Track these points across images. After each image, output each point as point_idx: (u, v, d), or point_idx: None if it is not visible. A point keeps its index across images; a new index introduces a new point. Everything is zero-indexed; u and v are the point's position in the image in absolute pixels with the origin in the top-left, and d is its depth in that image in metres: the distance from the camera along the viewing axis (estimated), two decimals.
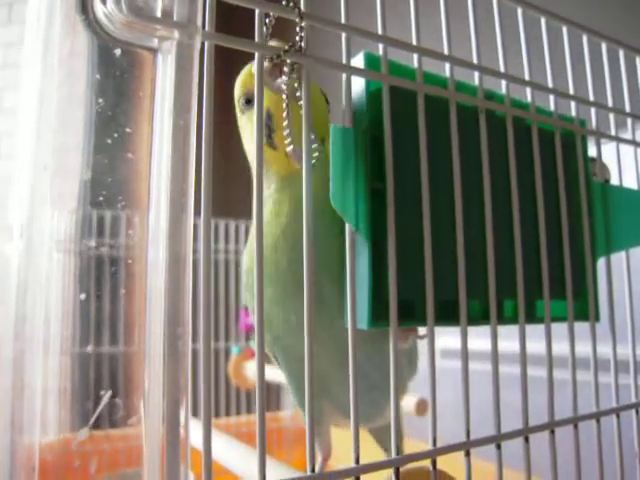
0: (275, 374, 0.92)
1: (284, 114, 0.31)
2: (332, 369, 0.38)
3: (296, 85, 0.29)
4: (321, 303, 0.35)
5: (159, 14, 0.24)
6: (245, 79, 0.38)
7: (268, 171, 0.38)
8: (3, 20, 1.82)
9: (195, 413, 0.28)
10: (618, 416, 0.39)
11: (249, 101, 0.38)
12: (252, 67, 0.36)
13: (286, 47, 0.27)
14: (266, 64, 0.27)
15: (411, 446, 0.54)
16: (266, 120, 0.36)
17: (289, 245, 0.36)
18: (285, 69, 0.29)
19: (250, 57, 0.28)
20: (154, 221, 0.25)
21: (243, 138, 0.40)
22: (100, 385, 0.27)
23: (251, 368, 1.13)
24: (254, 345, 0.25)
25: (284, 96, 0.31)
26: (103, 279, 0.27)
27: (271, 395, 1.29)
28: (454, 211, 0.32)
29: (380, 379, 0.35)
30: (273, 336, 0.40)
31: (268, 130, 0.37)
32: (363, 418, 0.42)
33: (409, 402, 0.70)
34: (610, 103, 0.43)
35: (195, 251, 0.24)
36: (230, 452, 0.51)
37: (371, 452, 0.37)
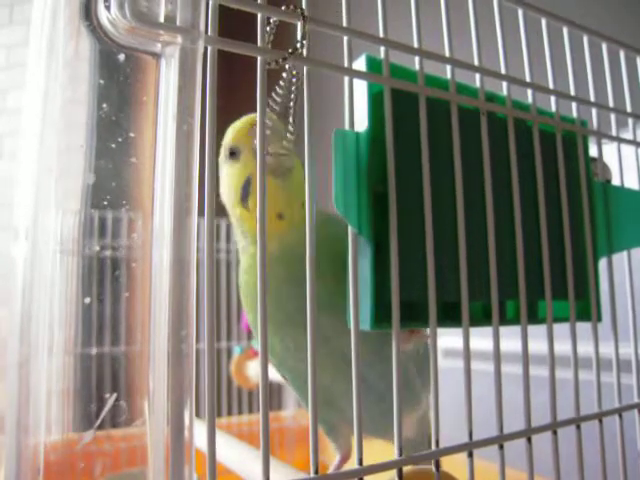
0: (277, 374, 0.93)
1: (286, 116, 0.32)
2: (335, 385, 0.40)
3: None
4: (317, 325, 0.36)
5: (162, 19, 0.24)
6: (236, 133, 0.40)
7: (242, 226, 0.41)
8: (4, 21, 1.82)
9: (198, 414, 0.28)
10: (620, 416, 0.39)
11: (233, 154, 0.40)
12: (245, 121, 0.39)
13: (289, 51, 0.28)
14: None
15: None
16: (244, 185, 0.39)
17: (273, 289, 0.37)
18: (285, 75, 0.29)
19: (250, 66, 0.28)
20: (158, 224, 0.25)
21: (220, 186, 0.42)
22: (105, 387, 0.27)
23: (253, 368, 1.14)
24: (256, 345, 0.26)
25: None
26: (107, 282, 0.27)
27: (272, 394, 1.30)
28: (456, 212, 0.32)
29: (388, 388, 0.35)
30: (277, 361, 0.42)
31: (245, 194, 0.39)
32: (377, 430, 0.43)
33: None
34: (611, 103, 0.43)
35: (197, 250, 0.25)
36: (233, 452, 0.51)
37: (374, 452, 0.38)
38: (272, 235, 0.38)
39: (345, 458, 0.45)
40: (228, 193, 0.41)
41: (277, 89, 0.32)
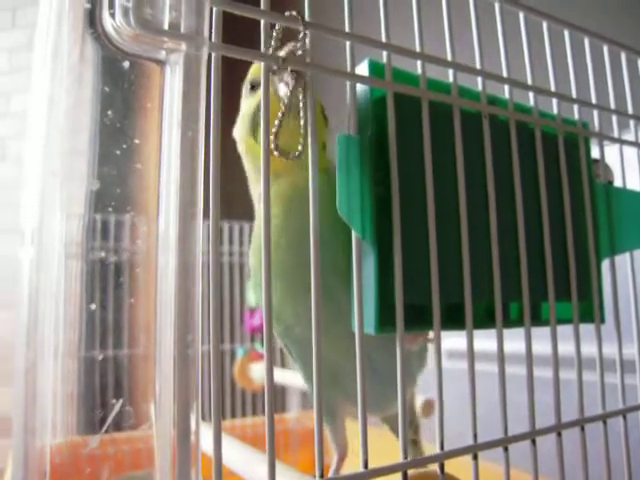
0: (280, 375, 0.93)
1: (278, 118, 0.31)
2: (343, 362, 0.39)
3: (300, 97, 0.30)
4: (330, 300, 0.36)
5: (166, 27, 0.24)
6: (256, 69, 0.40)
7: (256, 165, 0.39)
8: (7, 25, 1.83)
9: (203, 416, 0.28)
10: (625, 417, 0.39)
11: (253, 87, 0.40)
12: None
13: (292, 56, 0.28)
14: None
15: (421, 436, 0.54)
16: (254, 112, 0.38)
17: (289, 243, 0.36)
18: (290, 79, 0.29)
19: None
20: (163, 230, 0.25)
21: (238, 119, 0.41)
22: (111, 391, 0.27)
23: (256, 370, 1.14)
24: (259, 347, 0.26)
25: (282, 104, 0.31)
26: (113, 287, 0.27)
27: (276, 397, 1.30)
28: (459, 216, 0.32)
29: (390, 370, 0.35)
30: (284, 327, 0.40)
31: (254, 124, 0.38)
32: (375, 408, 0.43)
33: (416, 402, 0.70)
34: (612, 105, 0.43)
35: (202, 252, 0.25)
36: (237, 455, 0.51)
37: (378, 453, 0.38)
38: (285, 169, 0.37)
39: (342, 457, 0.45)
40: (241, 125, 0.40)
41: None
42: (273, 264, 0.27)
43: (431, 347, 0.44)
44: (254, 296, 0.43)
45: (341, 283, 0.35)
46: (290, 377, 0.91)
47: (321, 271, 0.28)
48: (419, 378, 0.46)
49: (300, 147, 0.30)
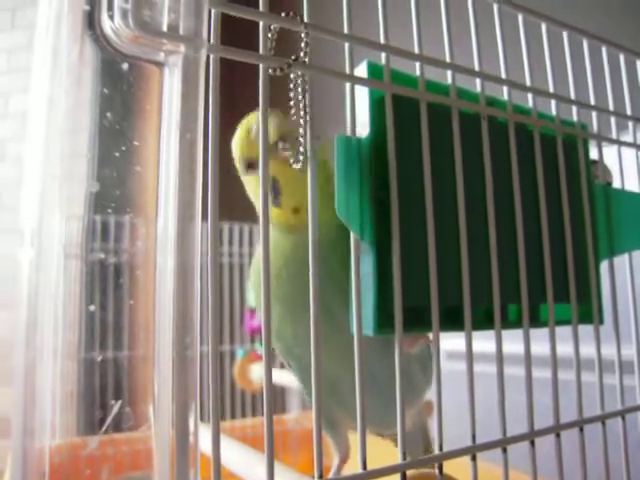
0: (280, 377, 0.93)
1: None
2: (343, 377, 0.39)
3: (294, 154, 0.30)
4: (328, 313, 0.36)
5: (165, 28, 0.24)
6: (243, 145, 0.38)
7: (272, 223, 0.39)
8: (6, 25, 1.83)
9: (202, 417, 0.28)
10: (623, 418, 0.39)
11: (250, 165, 0.38)
12: (248, 129, 0.38)
13: (292, 58, 0.28)
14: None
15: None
16: (273, 186, 0.37)
17: (290, 275, 0.38)
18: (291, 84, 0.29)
19: (253, 74, 0.28)
20: (162, 231, 0.25)
21: (249, 192, 0.41)
22: (110, 392, 0.27)
23: (256, 371, 1.14)
24: (259, 348, 0.26)
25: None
26: (112, 288, 0.27)
27: (276, 398, 1.30)
28: (458, 217, 0.32)
29: (392, 383, 0.35)
30: (284, 347, 0.42)
31: (275, 193, 0.38)
32: (378, 424, 0.43)
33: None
34: (611, 107, 0.43)
35: (201, 253, 0.25)
36: (237, 456, 0.51)
37: (379, 455, 0.38)
38: (291, 227, 0.38)
39: (344, 459, 0.45)
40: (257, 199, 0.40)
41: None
42: (272, 289, 0.27)
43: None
44: (254, 296, 0.43)
45: (339, 298, 0.35)
46: (289, 378, 0.91)
47: (321, 288, 0.28)
48: (425, 394, 0.45)
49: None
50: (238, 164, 0.40)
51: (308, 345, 0.28)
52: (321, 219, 0.29)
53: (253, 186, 0.40)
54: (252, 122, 0.38)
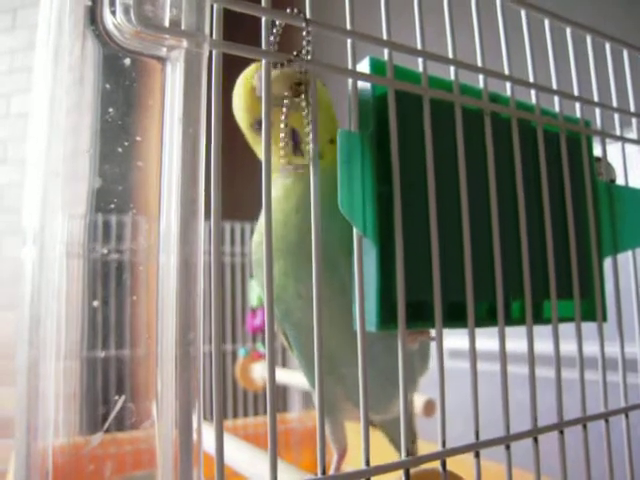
0: (282, 375, 0.93)
1: (282, 125, 0.31)
2: (343, 350, 0.38)
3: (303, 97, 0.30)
4: (333, 275, 0.36)
5: (167, 24, 0.24)
6: (250, 107, 0.37)
7: (284, 169, 0.37)
8: (8, 26, 1.83)
9: (204, 416, 0.28)
10: (627, 415, 0.39)
11: (260, 124, 0.38)
12: (251, 86, 0.36)
13: (294, 54, 0.28)
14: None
15: (420, 447, 0.54)
16: (293, 136, 0.36)
17: (300, 220, 0.36)
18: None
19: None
20: (165, 228, 0.25)
21: (260, 154, 0.40)
22: (113, 390, 0.27)
23: (258, 370, 1.14)
24: (261, 347, 0.26)
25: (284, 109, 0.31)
26: (114, 285, 0.27)
27: (278, 396, 1.30)
28: (461, 213, 0.32)
29: (390, 366, 0.34)
30: (284, 310, 0.39)
31: (295, 143, 0.37)
32: (372, 407, 0.42)
33: (417, 403, 0.70)
34: (615, 103, 0.43)
35: (203, 253, 0.25)
36: (239, 454, 0.51)
37: (380, 453, 0.38)
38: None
39: (342, 455, 0.44)
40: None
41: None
42: (277, 240, 0.26)
43: (433, 348, 0.44)
44: (255, 283, 0.42)
45: (346, 257, 0.34)
46: (292, 377, 0.91)
47: (328, 244, 0.27)
48: (420, 381, 0.45)
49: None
50: (247, 125, 0.38)
51: (309, 307, 0.27)
52: (329, 185, 0.28)
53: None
54: (252, 80, 0.36)
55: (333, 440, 0.44)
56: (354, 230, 0.30)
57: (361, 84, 0.31)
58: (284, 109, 0.31)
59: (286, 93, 0.31)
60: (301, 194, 0.37)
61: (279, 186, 0.38)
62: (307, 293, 0.36)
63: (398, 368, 0.30)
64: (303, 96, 0.30)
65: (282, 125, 0.31)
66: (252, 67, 0.37)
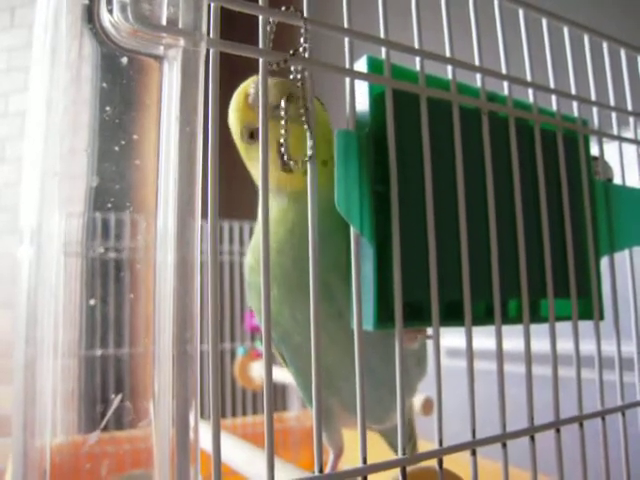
0: (281, 374, 0.93)
1: (282, 131, 0.31)
2: (340, 366, 0.38)
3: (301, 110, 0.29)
4: (329, 300, 0.36)
5: (164, 22, 0.24)
6: (241, 114, 0.37)
7: (280, 190, 0.37)
8: (6, 25, 1.83)
9: (202, 415, 0.28)
10: (623, 414, 0.39)
11: (252, 135, 0.37)
12: (245, 95, 0.36)
13: (290, 53, 0.28)
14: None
15: (418, 446, 0.54)
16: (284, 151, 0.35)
17: (294, 247, 0.36)
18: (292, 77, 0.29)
19: (249, 64, 0.28)
20: (162, 226, 0.25)
21: (249, 164, 0.40)
22: (110, 389, 0.27)
23: (257, 369, 1.14)
24: (260, 346, 0.26)
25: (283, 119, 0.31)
26: (111, 284, 0.27)
27: (277, 396, 1.30)
28: (458, 212, 0.32)
29: (387, 377, 0.35)
30: (280, 334, 0.40)
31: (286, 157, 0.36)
32: (371, 417, 0.42)
33: (415, 402, 0.70)
34: (612, 102, 0.43)
35: (201, 252, 0.25)
36: (237, 453, 0.51)
37: (379, 452, 0.38)
38: (300, 194, 0.35)
39: (338, 455, 0.45)
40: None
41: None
42: (272, 267, 0.27)
43: (430, 349, 0.44)
44: (250, 295, 0.42)
45: (341, 281, 0.35)
46: (290, 376, 0.91)
47: (323, 267, 0.28)
48: (417, 387, 0.45)
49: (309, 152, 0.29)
50: (238, 135, 0.38)
51: (305, 331, 0.27)
52: (324, 203, 0.28)
53: (257, 155, 0.39)
54: (248, 88, 0.36)
55: (329, 443, 0.44)
56: (351, 230, 0.30)
57: (358, 83, 0.31)
58: (279, 120, 0.31)
59: (282, 104, 0.31)
60: (296, 217, 0.37)
61: (274, 208, 0.38)
62: (303, 318, 0.36)
63: (395, 377, 0.30)
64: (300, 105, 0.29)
65: (282, 132, 0.30)
66: (251, 78, 0.37)
